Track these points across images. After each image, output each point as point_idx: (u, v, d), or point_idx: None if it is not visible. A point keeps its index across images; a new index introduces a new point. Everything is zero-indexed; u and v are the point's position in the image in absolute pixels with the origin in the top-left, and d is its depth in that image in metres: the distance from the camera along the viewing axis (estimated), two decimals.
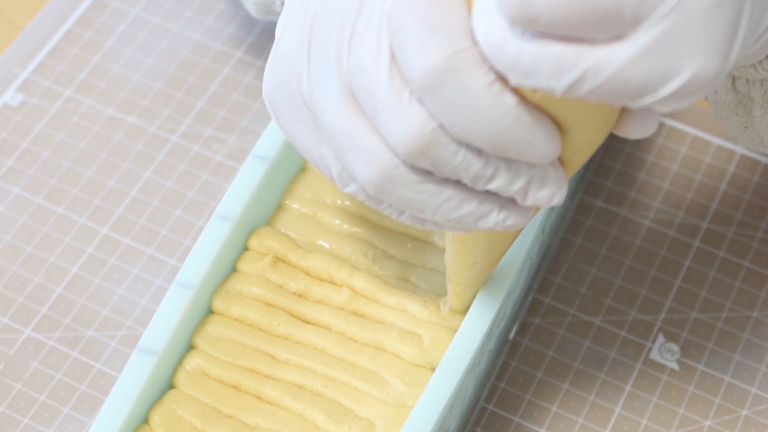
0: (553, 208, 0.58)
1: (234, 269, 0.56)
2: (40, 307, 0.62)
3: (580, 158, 0.43)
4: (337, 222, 0.57)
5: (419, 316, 0.54)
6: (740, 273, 0.63)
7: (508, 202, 0.43)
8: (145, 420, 0.52)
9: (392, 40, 0.40)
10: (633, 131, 0.43)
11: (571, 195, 0.64)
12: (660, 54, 0.37)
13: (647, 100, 0.38)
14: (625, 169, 0.66)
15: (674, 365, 0.61)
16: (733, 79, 0.48)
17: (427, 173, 0.42)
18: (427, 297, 0.54)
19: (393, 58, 0.40)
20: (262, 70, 0.70)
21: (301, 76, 0.44)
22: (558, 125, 0.41)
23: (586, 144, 0.43)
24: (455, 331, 0.53)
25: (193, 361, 0.53)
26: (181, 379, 0.53)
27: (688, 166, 0.67)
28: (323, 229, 0.57)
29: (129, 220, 0.65)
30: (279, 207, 0.58)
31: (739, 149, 0.67)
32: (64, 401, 0.60)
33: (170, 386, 0.53)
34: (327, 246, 0.56)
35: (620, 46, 0.37)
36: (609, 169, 0.66)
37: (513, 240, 0.50)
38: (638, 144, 0.67)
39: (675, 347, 0.61)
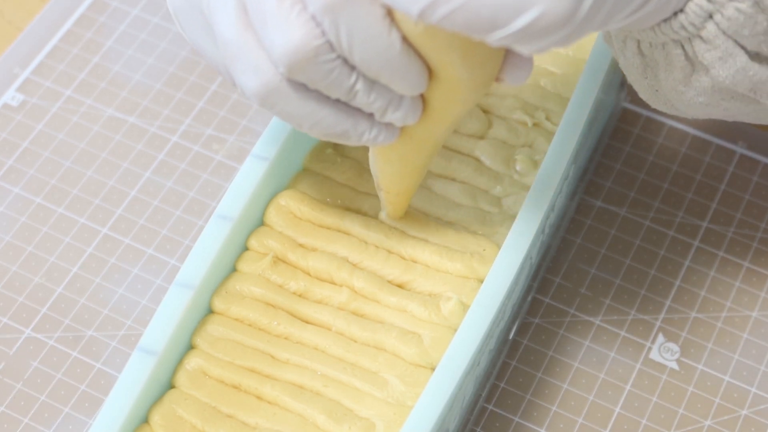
0: (552, 208, 0.58)
1: (234, 269, 0.56)
2: (40, 307, 0.62)
3: (453, 105, 0.48)
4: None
5: (419, 315, 0.54)
6: (740, 273, 0.63)
7: (377, 122, 0.48)
8: (145, 420, 0.52)
9: None
10: (507, 77, 0.47)
11: (571, 195, 0.64)
12: None
13: (499, 34, 0.41)
14: (625, 169, 0.66)
15: (674, 365, 0.61)
16: (638, 42, 0.50)
17: (307, 91, 0.47)
18: (427, 297, 0.54)
19: None
20: None
21: None
22: (430, 68, 0.47)
23: (456, 91, 0.48)
24: (455, 330, 0.53)
25: (193, 361, 0.53)
26: (181, 378, 0.53)
27: (688, 166, 0.67)
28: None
29: (129, 220, 0.65)
30: None
31: (739, 149, 0.67)
32: (64, 401, 0.60)
33: (170, 386, 0.53)
34: (327, 246, 0.56)
35: None
36: (609, 169, 0.66)
37: (436, 145, 0.52)
38: (638, 144, 0.67)
39: (675, 347, 0.61)
